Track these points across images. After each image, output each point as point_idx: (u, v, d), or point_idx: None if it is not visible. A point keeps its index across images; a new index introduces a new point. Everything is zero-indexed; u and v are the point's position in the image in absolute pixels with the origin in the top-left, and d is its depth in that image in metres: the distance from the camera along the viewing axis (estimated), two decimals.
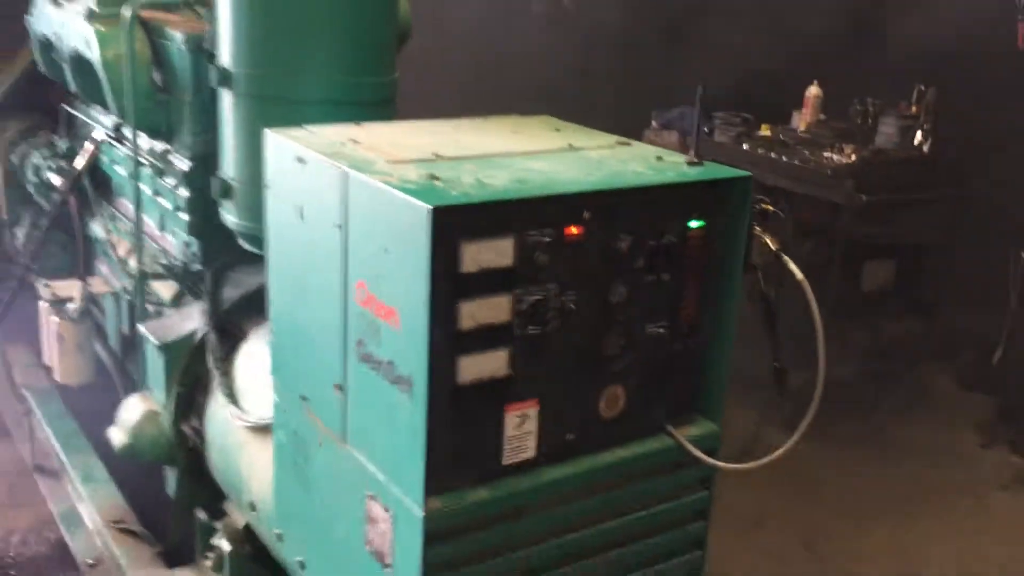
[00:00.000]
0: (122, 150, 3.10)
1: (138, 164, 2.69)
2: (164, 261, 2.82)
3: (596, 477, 1.73)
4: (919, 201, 4.95)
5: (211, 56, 2.50)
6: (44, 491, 3.42)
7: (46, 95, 3.77)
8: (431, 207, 1.40)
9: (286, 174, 1.79)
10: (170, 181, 2.75)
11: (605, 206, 1.60)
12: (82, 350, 3.07)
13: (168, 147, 2.75)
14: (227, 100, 2.32)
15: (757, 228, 1.76)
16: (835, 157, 4.92)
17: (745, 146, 5.20)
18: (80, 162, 2.93)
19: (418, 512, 1.55)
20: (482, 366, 1.54)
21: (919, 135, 5.03)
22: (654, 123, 6.10)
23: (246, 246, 2.46)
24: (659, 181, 1.67)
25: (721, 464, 1.80)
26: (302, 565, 1.97)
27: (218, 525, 2.49)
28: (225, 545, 2.41)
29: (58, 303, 3.05)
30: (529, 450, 1.65)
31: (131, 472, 3.16)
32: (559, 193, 1.55)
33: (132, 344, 3.26)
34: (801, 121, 5.44)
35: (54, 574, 3.29)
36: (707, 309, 1.79)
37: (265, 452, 2.19)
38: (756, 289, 1.85)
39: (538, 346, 1.59)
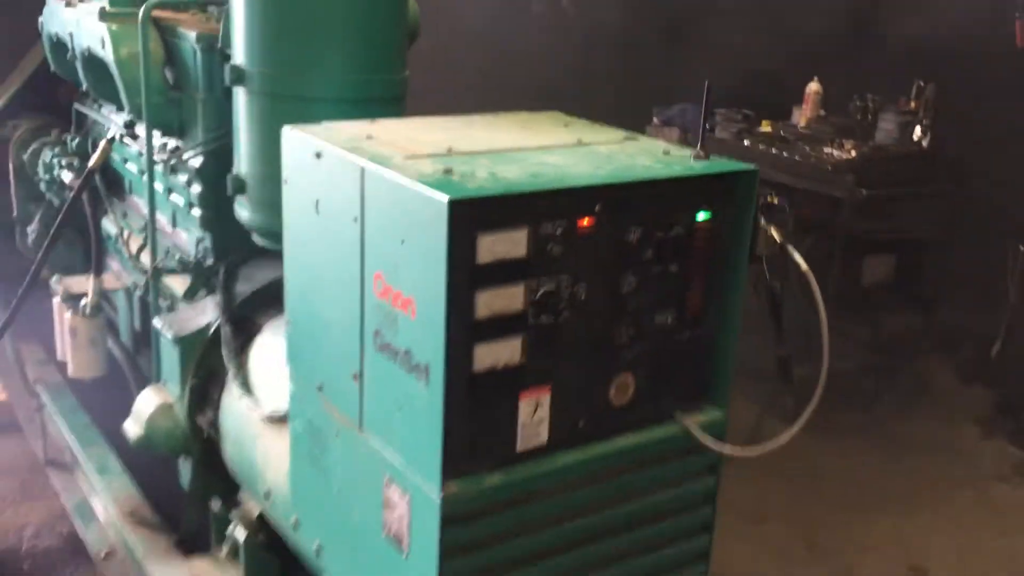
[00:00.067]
0: (134, 147, 3.15)
1: (152, 161, 2.73)
2: (177, 257, 2.86)
3: (607, 463, 1.77)
4: (918, 196, 5.00)
5: (223, 55, 2.55)
6: (57, 485, 3.47)
7: (56, 94, 3.83)
8: (449, 200, 1.45)
9: (304, 169, 1.84)
10: (182, 178, 2.80)
11: (615, 199, 1.65)
12: (95, 345, 3.12)
13: (180, 144, 2.80)
14: (241, 98, 2.37)
15: (762, 220, 1.80)
16: (835, 153, 4.97)
17: (746, 142, 5.25)
18: (93, 159, 2.98)
19: (436, 496, 1.59)
20: (497, 354, 1.59)
21: (918, 131, 5.08)
22: (655, 120, 6.15)
23: (260, 241, 2.51)
24: (667, 174, 1.71)
25: (728, 449, 1.85)
26: (319, 550, 2.02)
27: (232, 515, 2.54)
28: (240, 534, 2.46)
29: (71, 299, 3.09)
30: (542, 436, 1.70)
31: (143, 464, 3.21)
32: (571, 186, 1.60)
33: (143, 339, 3.31)
34: (801, 117, 5.49)
35: (67, 566, 3.34)
36: (714, 299, 1.84)
37: (280, 442, 2.24)
38: (761, 280, 1.90)
39: (551, 335, 1.64)
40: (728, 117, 5.49)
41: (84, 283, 3.14)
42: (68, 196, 3.46)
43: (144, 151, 3.03)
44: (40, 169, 3.62)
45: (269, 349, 2.46)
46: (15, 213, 3.86)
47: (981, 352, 5.21)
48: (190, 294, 2.79)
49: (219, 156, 2.64)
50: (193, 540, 2.75)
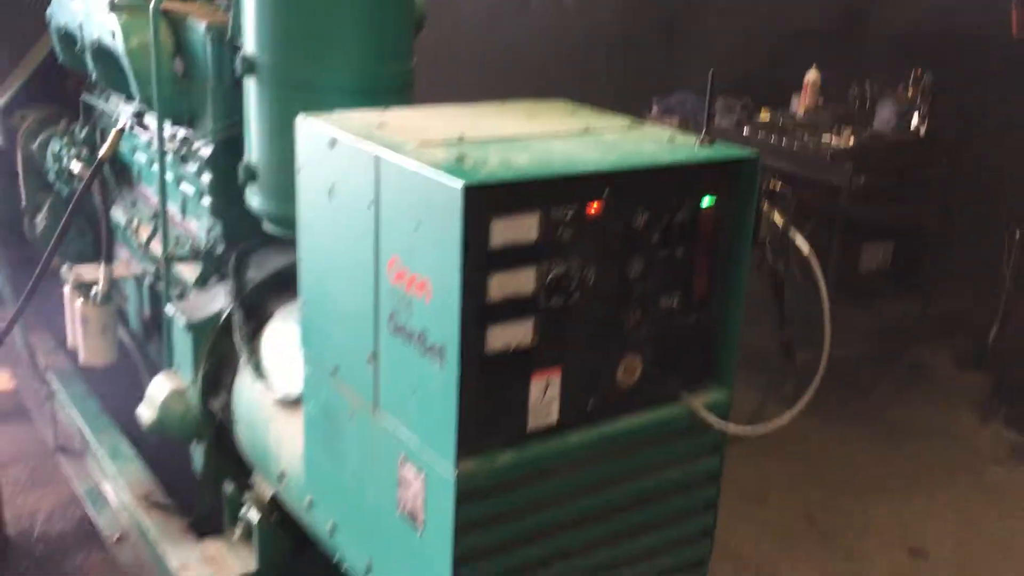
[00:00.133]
0: (143, 137, 3.19)
1: (163, 151, 2.77)
2: (187, 244, 2.91)
3: (615, 442, 1.82)
4: (916, 183, 5.06)
5: (233, 45, 2.59)
6: (68, 471, 3.52)
7: (63, 85, 3.86)
8: (464, 185, 1.49)
9: (318, 157, 1.88)
10: (192, 167, 2.84)
11: (623, 184, 1.69)
12: (106, 332, 3.16)
13: (190, 133, 2.84)
14: (252, 88, 2.41)
15: (765, 205, 1.85)
16: (833, 140, 5.02)
17: (745, 131, 5.30)
18: (104, 149, 3.02)
19: (451, 473, 1.64)
20: (509, 336, 1.64)
21: (916, 118, 5.13)
22: (655, 109, 6.19)
23: (270, 228, 2.55)
24: (673, 160, 1.76)
25: (733, 428, 1.90)
26: (333, 529, 2.07)
27: (245, 497, 2.59)
28: (253, 515, 2.52)
29: (82, 287, 3.14)
30: (552, 416, 1.74)
31: (151, 450, 3.26)
32: (580, 172, 1.65)
33: (153, 327, 3.36)
34: (800, 106, 5.54)
35: (80, 550, 3.39)
36: (718, 283, 1.88)
37: (293, 425, 2.29)
38: (764, 264, 1.94)
39: (561, 317, 1.69)
40: (727, 106, 5.53)
41: (94, 271, 3.18)
42: (78, 186, 3.51)
43: (153, 141, 3.09)
44: (49, 159, 3.65)
45: (281, 335, 2.51)
46: (23, 203, 3.89)
47: (978, 338, 5.27)
48: (201, 281, 2.83)
49: (229, 145, 2.69)
50: (205, 523, 2.80)
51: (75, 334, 3.21)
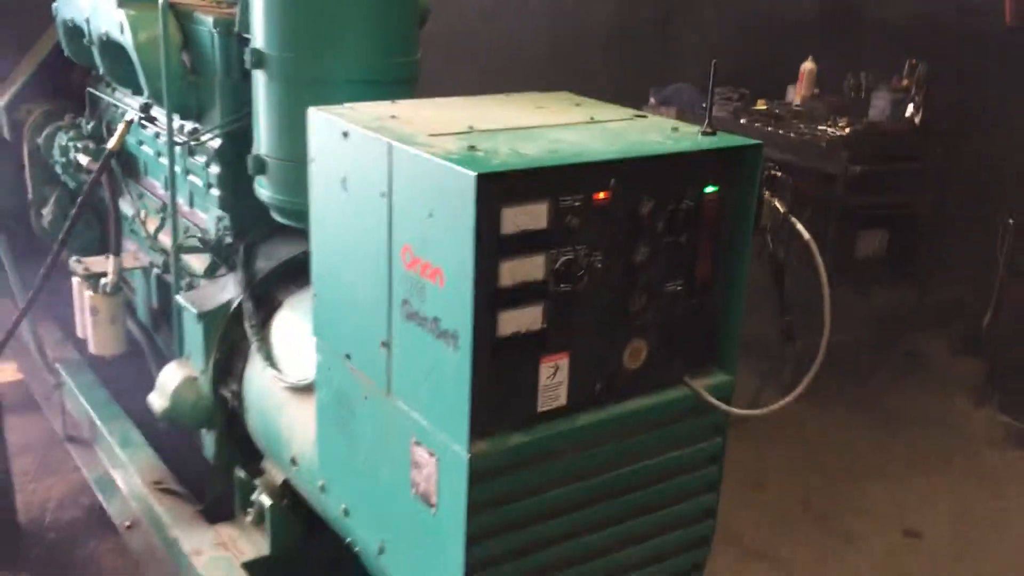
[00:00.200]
0: (150, 130, 3.23)
1: (173, 143, 2.81)
2: (195, 236, 2.95)
3: (621, 424, 1.87)
4: (911, 171, 5.12)
5: (240, 39, 2.63)
6: (77, 460, 3.57)
7: (68, 78, 3.90)
8: (476, 174, 1.54)
9: (330, 148, 1.92)
10: (200, 159, 2.89)
11: (629, 173, 1.74)
12: (115, 322, 3.21)
13: (198, 126, 2.88)
14: (261, 81, 2.46)
15: (767, 193, 1.90)
16: (829, 130, 5.08)
17: (742, 120, 5.35)
18: (112, 142, 3.06)
19: (464, 454, 1.69)
20: (519, 320, 1.69)
21: (911, 108, 5.19)
22: (652, 99, 6.24)
23: (279, 219, 2.60)
24: (677, 149, 1.81)
25: (735, 411, 1.95)
26: (346, 512, 2.12)
27: (257, 482, 2.64)
28: (265, 500, 2.57)
29: (91, 278, 3.18)
30: (561, 398, 1.79)
31: (160, 438, 3.31)
32: (588, 162, 1.69)
33: (161, 317, 3.41)
34: (796, 95, 5.60)
35: (91, 537, 3.44)
36: (721, 268, 1.93)
37: (304, 410, 2.34)
38: (765, 251, 2.00)
39: (569, 302, 1.73)
40: (724, 96, 5.59)
41: (103, 263, 3.22)
42: (85, 178, 3.55)
43: (161, 133, 3.13)
44: (56, 152, 3.69)
45: (291, 323, 2.56)
46: (30, 196, 3.93)
47: (972, 325, 5.34)
48: (210, 271, 2.88)
49: (237, 138, 2.73)
50: (216, 509, 2.86)
51: (84, 324, 3.25)
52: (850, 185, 4.84)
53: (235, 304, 2.66)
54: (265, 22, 2.39)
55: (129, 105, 3.39)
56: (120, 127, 3.10)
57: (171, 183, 2.86)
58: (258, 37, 2.42)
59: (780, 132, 5.15)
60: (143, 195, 3.41)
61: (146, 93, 2.90)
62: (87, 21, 3.13)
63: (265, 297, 2.66)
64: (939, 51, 5.28)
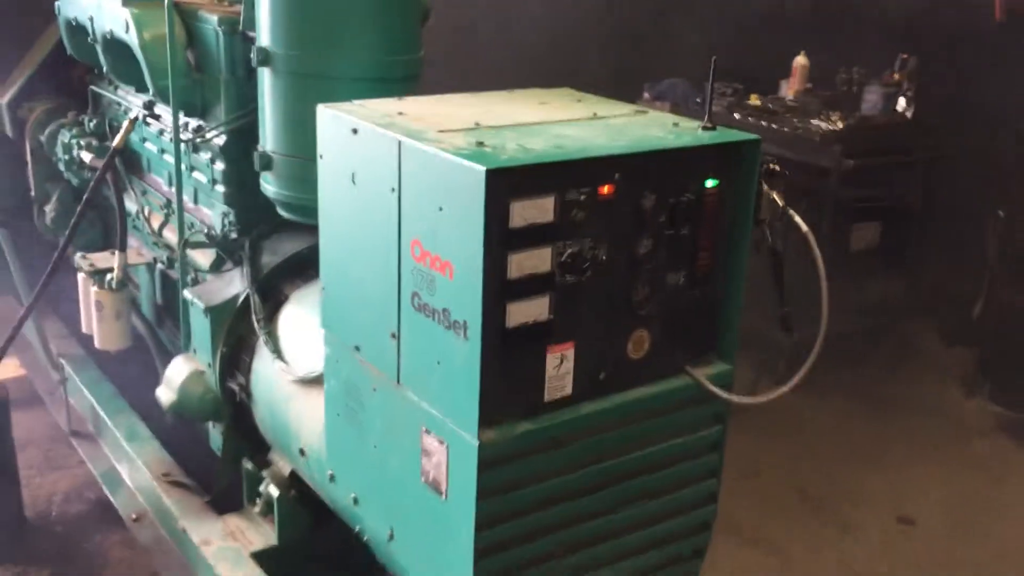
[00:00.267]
0: (153, 127, 3.26)
1: (179, 140, 2.85)
2: (200, 231, 2.99)
3: (625, 412, 1.92)
4: (903, 164, 5.18)
5: (245, 37, 2.67)
6: (83, 454, 3.60)
7: (69, 76, 3.93)
8: (486, 169, 1.59)
9: (339, 144, 1.97)
10: (205, 156, 2.92)
11: (633, 167, 1.79)
12: (120, 317, 3.24)
13: (202, 123, 2.92)
14: (267, 78, 2.49)
15: (765, 186, 1.95)
16: (822, 124, 5.13)
17: (736, 115, 5.40)
18: (117, 139, 3.10)
19: (473, 442, 1.74)
20: (527, 311, 1.73)
21: (902, 102, 5.24)
22: (646, 95, 6.28)
23: (285, 214, 2.64)
24: (679, 144, 1.85)
25: (735, 399, 2.00)
26: (355, 501, 2.17)
27: (264, 474, 2.69)
28: (273, 491, 2.61)
29: (96, 274, 3.22)
30: (567, 388, 1.84)
31: (164, 432, 3.35)
32: (593, 156, 1.74)
33: (165, 312, 3.45)
34: (789, 90, 5.64)
35: (98, 529, 3.48)
36: (721, 260, 1.98)
37: (312, 402, 2.38)
38: (764, 242, 2.04)
39: (575, 294, 1.78)
40: (718, 91, 5.62)
41: (108, 259, 3.26)
42: (88, 176, 3.58)
43: (165, 131, 3.17)
44: (59, 150, 3.72)
45: (297, 317, 2.60)
46: (32, 193, 3.96)
47: (963, 315, 5.40)
48: (215, 267, 2.92)
49: (241, 134, 2.77)
50: (224, 500, 2.90)
51: (90, 319, 3.29)
52: (843, 179, 4.90)
53: (242, 298, 2.70)
54: (271, 21, 2.43)
55: (132, 103, 3.43)
56: (124, 125, 3.13)
57: (177, 180, 2.90)
58: (264, 35, 2.46)
59: (774, 127, 5.20)
60: (146, 192, 3.44)
61: (151, 91, 2.94)
62: (91, 19, 3.16)
63: (271, 291, 2.70)
64: (930, 46, 5.34)
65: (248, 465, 2.75)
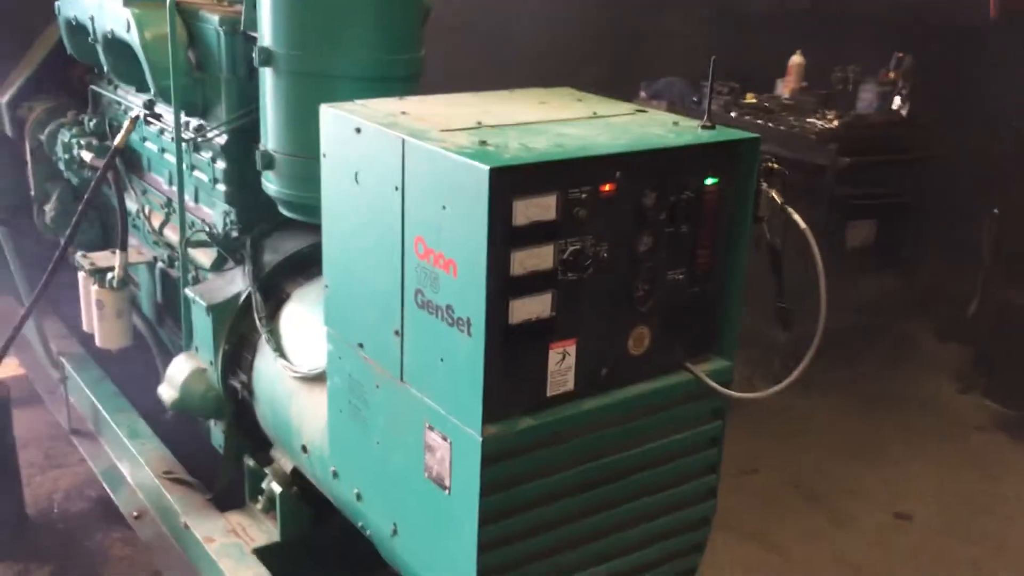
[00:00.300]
0: (153, 127, 3.27)
1: (181, 139, 2.86)
2: (201, 230, 3.00)
3: (626, 408, 1.93)
4: (898, 162, 5.20)
5: (246, 37, 2.69)
6: (84, 452, 3.62)
7: (68, 76, 3.94)
8: (490, 168, 1.61)
9: (343, 143, 1.98)
10: (206, 155, 2.94)
11: (633, 166, 1.81)
12: (121, 316, 3.26)
13: (203, 122, 2.94)
14: (269, 78, 2.51)
15: (764, 184, 1.97)
16: (818, 122, 5.16)
17: (733, 114, 5.42)
18: (119, 138, 3.11)
19: (476, 437, 1.76)
20: (530, 308, 1.75)
21: (897, 100, 5.28)
22: (642, 94, 6.30)
23: (287, 213, 2.66)
24: (679, 143, 1.87)
25: (735, 394, 2.02)
26: (358, 496, 2.19)
27: (266, 471, 2.71)
28: (276, 488, 2.63)
29: (97, 272, 3.23)
30: (569, 383, 1.86)
31: (164, 432, 3.37)
32: (595, 155, 1.76)
33: (166, 311, 3.46)
34: (785, 88, 5.67)
35: (99, 527, 3.50)
36: (721, 257, 2.00)
37: (314, 399, 2.40)
38: (763, 239, 2.07)
39: (577, 291, 1.80)
40: (715, 90, 5.65)
41: (108, 257, 3.27)
42: (88, 175, 3.60)
43: (166, 130, 3.18)
44: (59, 149, 3.73)
45: (299, 315, 2.62)
46: (32, 192, 3.97)
47: (958, 312, 5.44)
48: (217, 265, 2.93)
49: (242, 134, 2.78)
50: (225, 498, 2.92)
51: (91, 318, 3.30)
52: (839, 176, 4.93)
53: (244, 296, 2.72)
54: (273, 21, 2.45)
55: (132, 102, 3.44)
56: (126, 124, 3.15)
57: (179, 179, 2.92)
58: (266, 36, 2.48)
59: (770, 125, 5.22)
60: (146, 191, 3.46)
61: (152, 90, 2.95)
62: (91, 19, 3.18)
63: (273, 289, 2.72)
64: (925, 44, 5.37)
65: (250, 462, 2.77)
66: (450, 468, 1.85)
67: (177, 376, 2.81)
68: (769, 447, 4.44)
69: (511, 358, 1.77)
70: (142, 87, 3.14)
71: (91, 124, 3.64)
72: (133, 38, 2.89)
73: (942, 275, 5.63)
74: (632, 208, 1.84)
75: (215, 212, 2.95)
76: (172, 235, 3.22)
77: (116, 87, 3.58)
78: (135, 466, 3.17)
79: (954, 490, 4.26)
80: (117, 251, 3.21)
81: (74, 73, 3.89)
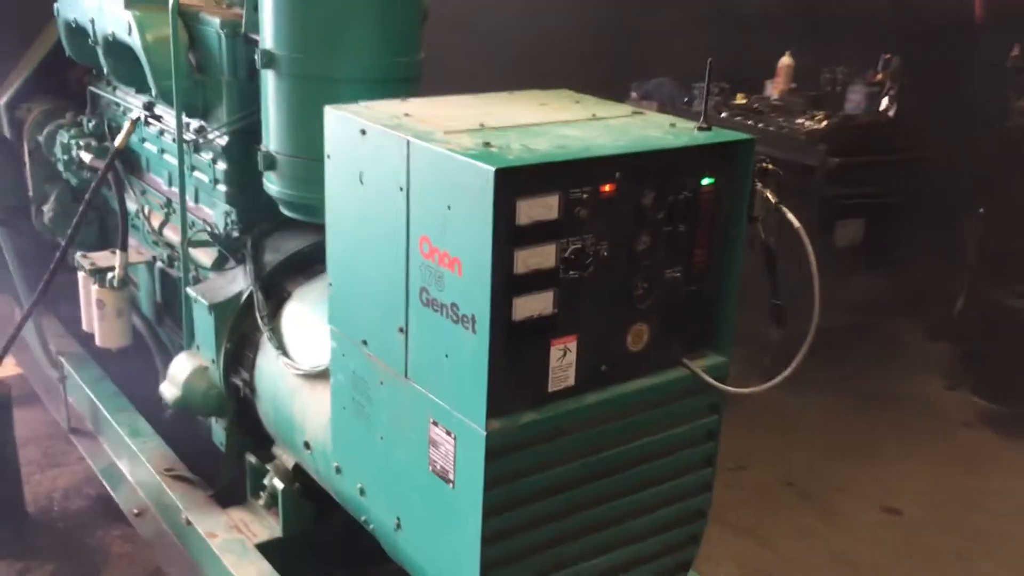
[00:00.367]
0: (153, 128, 3.30)
1: (183, 140, 2.90)
2: (202, 230, 3.04)
3: (625, 403, 1.97)
4: (886, 163, 5.27)
5: (247, 39, 2.72)
6: (83, 451, 3.64)
7: (66, 77, 3.96)
8: (495, 169, 1.65)
9: (347, 144, 2.02)
10: (206, 156, 2.97)
11: (633, 167, 1.86)
12: (121, 315, 3.29)
13: (204, 124, 2.97)
14: (271, 80, 2.55)
15: (759, 184, 2.02)
16: (807, 123, 5.22)
17: (723, 114, 5.48)
18: (119, 140, 3.14)
19: (481, 432, 1.80)
20: (532, 305, 1.79)
21: (885, 101, 5.35)
22: (633, 94, 6.36)
23: (288, 213, 2.69)
24: (677, 144, 1.92)
25: (731, 389, 2.07)
26: (362, 491, 2.23)
27: (268, 467, 2.74)
28: (278, 484, 2.67)
29: (97, 272, 3.26)
30: (570, 379, 1.90)
31: (163, 430, 3.39)
32: (595, 156, 1.80)
33: (165, 310, 3.49)
34: (774, 90, 5.73)
35: (99, 525, 3.52)
36: (717, 256, 2.05)
37: (316, 396, 2.44)
38: (757, 238, 2.12)
39: (578, 288, 1.84)
40: (709, 91, 5.70)
41: (108, 257, 3.30)
42: (87, 176, 3.62)
43: (166, 131, 3.21)
44: (57, 150, 3.75)
45: (300, 313, 2.66)
46: (30, 193, 3.99)
47: (945, 311, 5.51)
48: (217, 265, 2.96)
49: (243, 135, 2.82)
50: (226, 494, 2.95)
51: (91, 318, 3.33)
52: (828, 177, 4.99)
53: (245, 295, 2.76)
54: (275, 24, 2.48)
55: (131, 103, 3.47)
56: (126, 126, 3.18)
57: (180, 180, 2.95)
58: (268, 39, 2.51)
59: (760, 126, 5.29)
60: (145, 191, 3.48)
61: (153, 92, 2.98)
62: (92, 22, 3.20)
63: (274, 288, 2.75)
64: (913, 46, 5.43)
65: (252, 459, 2.80)
66: (454, 462, 1.89)
67: (179, 374, 2.85)
68: (761, 444, 4.49)
69: (514, 354, 1.81)
70: (142, 89, 3.17)
71: (90, 125, 3.66)
72: (135, 40, 2.92)
73: (930, 274, 5.70)
74: (631, 208, 1.88)
75: (216, 212, 2.98)
76: (172, 235, 3.26)
77: (115, 88, 3.61)
78: (136, 464, 3.20)
79: (944, 486, 4.32)
80: (117, 251, 3.23)
81: (72, 74, 3.91)
